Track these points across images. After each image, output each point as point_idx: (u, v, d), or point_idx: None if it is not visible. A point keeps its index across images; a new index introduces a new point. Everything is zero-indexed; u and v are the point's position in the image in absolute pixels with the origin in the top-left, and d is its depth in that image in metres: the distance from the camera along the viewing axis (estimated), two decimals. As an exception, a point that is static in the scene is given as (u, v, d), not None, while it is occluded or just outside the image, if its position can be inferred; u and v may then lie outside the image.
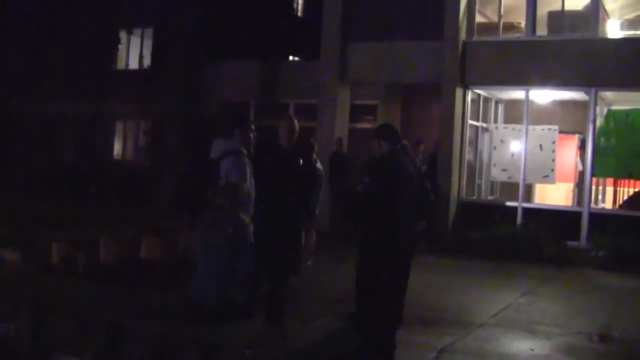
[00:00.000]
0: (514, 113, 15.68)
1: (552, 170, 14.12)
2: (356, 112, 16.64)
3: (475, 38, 14.66)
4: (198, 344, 4.84)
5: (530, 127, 14.22)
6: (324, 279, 9.61)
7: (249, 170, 5.81)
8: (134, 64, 21.27)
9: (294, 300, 7.03)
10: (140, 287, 7.77)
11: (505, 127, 15.09)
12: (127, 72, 21.25)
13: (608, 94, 14.62)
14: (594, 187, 14.31)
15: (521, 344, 7.11)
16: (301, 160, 6.82)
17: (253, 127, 6.12)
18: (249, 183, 5.83)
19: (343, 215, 8.44)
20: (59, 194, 17.13)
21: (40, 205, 14.02)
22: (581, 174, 14.84)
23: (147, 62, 20.92)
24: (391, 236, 5.91)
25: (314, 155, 9.76)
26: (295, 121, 6.87)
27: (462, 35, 14.43)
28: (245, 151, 5.93)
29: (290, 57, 19.49)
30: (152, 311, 5.72)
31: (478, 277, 10.93)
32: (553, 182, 14.35)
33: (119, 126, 21.41)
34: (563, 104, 15.43)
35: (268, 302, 6.40)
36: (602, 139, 13.74)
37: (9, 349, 5.87)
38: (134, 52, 21.24)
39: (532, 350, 6.89)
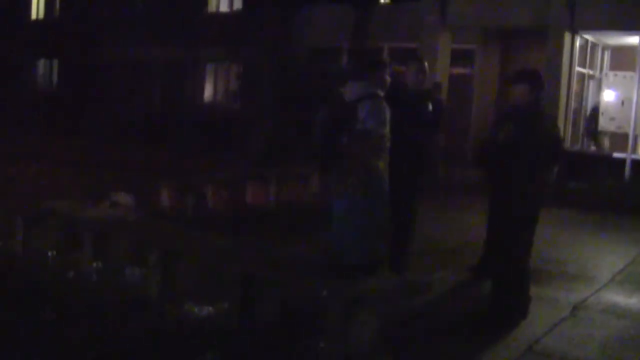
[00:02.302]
0: (620, 60, 14.94)
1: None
2: (452, 57, 16.13)
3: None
4: (340, 299, 4.66)
5: (643, 75, 13.52)
6: (431, 230, 9.34)
7: (388, 115, 5.55)
8: (224, 7, 21.12)
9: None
10: (258, 236, 7.61)
11: (616, 75, 14.37)
12: (218, 15, 21.12)
13: None
14: None
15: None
16: (430, 105, 6.57)
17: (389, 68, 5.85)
18: (387, 128, 5.58)
19: (475, 163, 8.04)
20: (152, 141, 17.23)
21: (137, 152, 14.10)
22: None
23: (237, 5, 20.75)
24: (532, 188, 5.65)
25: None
26: (426, 64, 6.60)
27: (573, -23, 13.71)
28: (382, 94, 5.67)
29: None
30: (287, 263, 5.54)
31: (589, 230, 10.49)
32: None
33: (210, 70, 21.39)
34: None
35: (392, 253, 6.24)
36: None
37: (136, 296, 5.77)
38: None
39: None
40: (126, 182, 9.75)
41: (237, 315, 5.14)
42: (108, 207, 8.05)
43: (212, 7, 21.39)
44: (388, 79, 5.78)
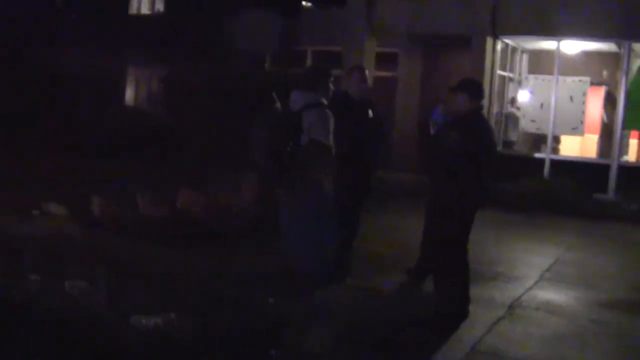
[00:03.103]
0: (538, 64, 15.50)
1: (582, 122, 14.04)
2: (377, 60, 16.35)
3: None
4: (298, 312, 4.70)
5: (561, 79, 14.05)
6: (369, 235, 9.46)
7: (332, 124, 5.63)
8: (145, 9, 20.84)
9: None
10: (196, 246, 7.54)
11: (536, 78, 14.90)
12: (140, 18, 20.78)
13: (637, 46, 14.39)
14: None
15: (583, 299, 7.06)
16: (370, 112, 6.70)
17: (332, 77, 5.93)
18: (332, 137, 5.67)
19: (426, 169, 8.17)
20: (80, 149, 16.72)
21: (64, 162, 13.67)
22: (606, 126, 14.78)
23: (158, 7, 20.49)
24: (474, 192, 5.88)
25: None
26: (367, 72, 6.72)
27: (494, -16, 14.18)
28: (326, 103, 5.75)
29: (304, 3, 19.07)
30: (238, 273, 5.54)
31: (515, 230, 10.86)
32: (582, 134, 14.25)
33: (135, 76, 21.01)
34: (590, 55, 15.22)
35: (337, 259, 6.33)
36: (633, 92, 13.60)
37: (82, 309, 5.65)
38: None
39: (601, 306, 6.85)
40: (56, 192, 9.49)
41: (191, 326, 5.11)
42: (40, 217, 7.88)
43: (132, 10, 21.06)
44: (332, 87, 5.86)
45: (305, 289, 4.93)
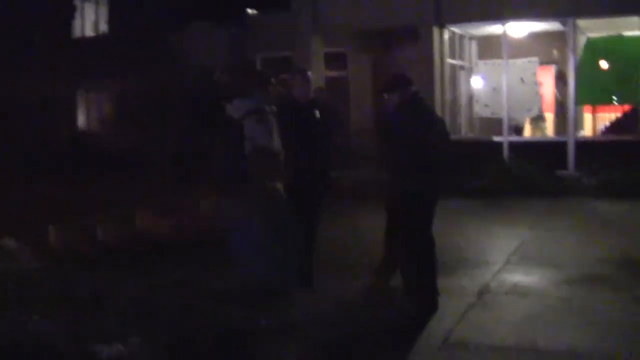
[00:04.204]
0: (488, 49, 15.57)
1: (536, 102, 14.10)
2: (326, 61, 16.30)
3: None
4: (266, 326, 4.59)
5: (511, 61, 14.12)
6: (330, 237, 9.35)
7: (274, 129, 5.54)
8: (89, 32, 20.56)
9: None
10: (159, 269, 7.39)
11: (486, 64, 14.96)
12: (85, 41, 20.49)
13: (582, 23, 14.49)
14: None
15: (551, 278, 7.05)
16: (317, 113, 6.63)
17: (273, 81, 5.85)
18: (277, 142, 5.58)
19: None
20: (35, 178, 16.40)
21: (19, 191, 13.37)
22: (560, 104, 14.90)
23: (103, 29, 20.24)
24: (428, 182, 5.86)
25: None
26: (309, 73, 6.65)
27: (436, -27, 14.22)
28: (268, 108, 5.66)
29: (249, 11, 18.93)
30: (197, 294, 5.42)
31: (479, 216, 10.85)
32: (538, 114, 14.35)
33: (87, 98, 20.73)
34: (537, 36, 15.31)
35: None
36: (582, 68, 13.72)
37: (42, 347, 5.48)
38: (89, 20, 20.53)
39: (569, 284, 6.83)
40: (11, 225, 9.24)
41: (154, 350, 4.98)
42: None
43: (76, 33, 20.77)
44: (273, 92, 5.78)
45: (269, 302, 4.81)
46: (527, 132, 15.44)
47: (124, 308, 5.34)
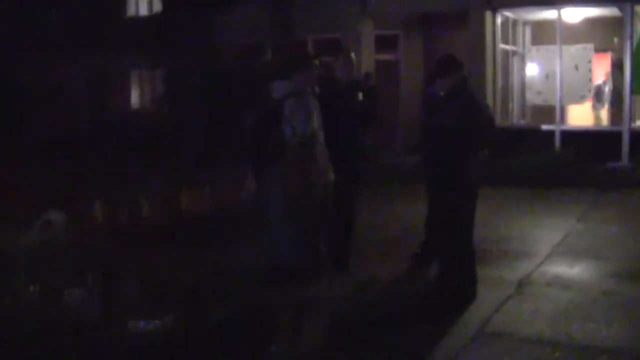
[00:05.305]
0: (541, 35, 15.22)
1: (590, 90, 13.77)
2: (377, 44, 16.15)
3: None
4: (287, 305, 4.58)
5: (565, 48, 13.77)
6: (370, 220, 9.30)
7: (315, 111, 5.49)
8: (144, 11, 20.73)
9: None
10: (196, 246, 7.45)
11: (539, 49, 14.62)
12: (138, 20, 20.68)
13: (639, 9, 14.06)
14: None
15: (595, 271, 6.88)
16: (361, 95, 6.55)
17: (317, 62, 5.78)
18: (317, 124, 5.52)
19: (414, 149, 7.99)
20: (81, 155, 16.67)
21: (67, 168, 13.59)
22: (616, 93, 14.49)
23: (157, 8, 20.37)
24: (473, 168, 5.75)
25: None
26: (353, 55, 6.57)
27: (489, -44, 13.93)
28: (310, 90, 5.60)
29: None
30: (228, 272, 5.44)
31: (527, 205, 10.64)
32: (593, 102, 14.01)
33: (135, 77, 20.96)
34: (593, 21, 14.88)
35: (336, 250, 6.23)
36: (638, 56, 13.30)
37: (77, 317, 5.56)
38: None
39: (613, 277, 6.65)
40: (58, 199, 9.41)
41: (184, 327, 5.01)
42: (40, 227, 7.79)
43: (130, 12, 20.97)
44: (315, 73, 5.71)
45: (295, 283, 4.79)
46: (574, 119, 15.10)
47: (156, 285, 5.42)
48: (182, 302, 5.22)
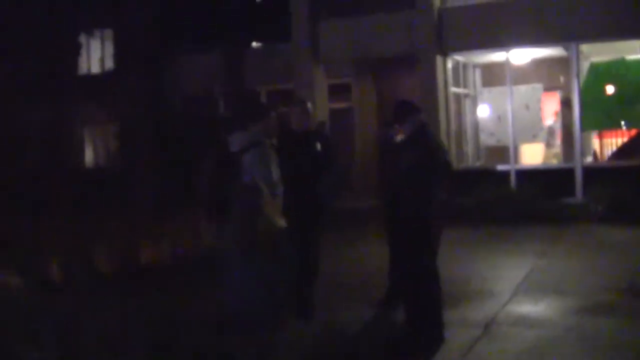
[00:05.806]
0: (492, 77, 15.52)
1: (542, 129, 14.04)
2: (330, 92, 16.27)
3: (450, 4, 14.42)
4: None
5: (515, 88, 14.07)
6: (332, 266, 9.25)
7: (274, 162, 5.48)
8: (95, 69, 20.67)
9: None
10: (154, 297, 7.32)
11: (490, 91, 14.90)
12: (91, 77, 20.61)
13: (584, 48, 14.42)
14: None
15: (559, 307, 6.91)
16: (319, 145, 6.55)
17: (274, 113, 5.78)
18: (275, 175, 5.50)
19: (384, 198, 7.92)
20: (32, 210, 16.34)
21: (17, 223, 13.28)
22: (567, 130, 14.80)
23: (109, 64, 20.31)
24: (432, 212, 5.74)
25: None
26: (309, 105, 6.59)
27: (437, 2, 14.20)
28: (268, 141, 5.59)
29: (254, 44, 19.00)
30: (188, 322, 5.33)
31: (486, 244, 10.72)
32: (544, 140, 14.28)
33: (88, 132, 20.76)
34: (540, 62, 15.26)
35: (298, 298, 6.18)
36: (587, 93, 13.64)
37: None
38: (95, 56, 20.66)
39: (576, 313, 6.68)
40: (8, 257, 9.18)
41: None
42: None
43: (82, 69, 20.85)
44: (273, 124, 5.71)
45: (254, 329, 4.72)
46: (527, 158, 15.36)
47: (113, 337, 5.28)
48: (141, 356, 5.08)
